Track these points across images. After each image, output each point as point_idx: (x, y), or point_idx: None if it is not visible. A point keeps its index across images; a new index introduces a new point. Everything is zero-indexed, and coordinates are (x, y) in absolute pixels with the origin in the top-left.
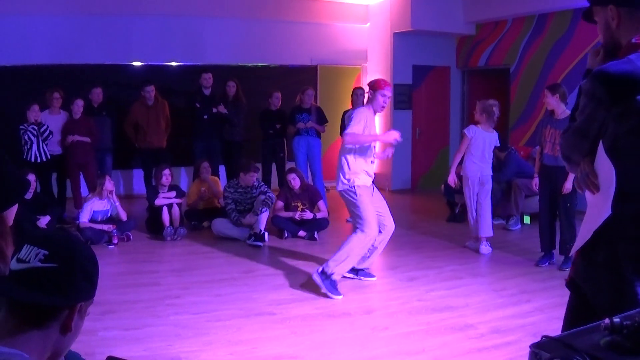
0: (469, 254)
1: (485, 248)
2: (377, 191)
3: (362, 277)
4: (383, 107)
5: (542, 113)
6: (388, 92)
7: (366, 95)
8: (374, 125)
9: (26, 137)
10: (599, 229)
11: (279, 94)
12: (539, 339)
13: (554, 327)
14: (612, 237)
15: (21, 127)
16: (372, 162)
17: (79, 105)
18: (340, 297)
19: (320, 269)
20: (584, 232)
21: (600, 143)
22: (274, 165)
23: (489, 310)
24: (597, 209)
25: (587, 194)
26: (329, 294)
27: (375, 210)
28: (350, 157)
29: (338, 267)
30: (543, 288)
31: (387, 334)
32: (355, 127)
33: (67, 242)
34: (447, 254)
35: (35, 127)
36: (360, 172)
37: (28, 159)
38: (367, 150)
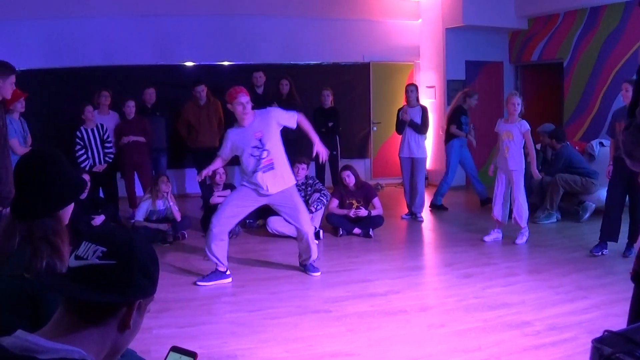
0: (524, 251)
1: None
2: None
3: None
4: (243, 116)
5: (596, 107)
6: (242, 99)
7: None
8: (246, 141)
9: (85, 140)
10: None
11: (329, 92)
12: (595, 335)
13: (611, 324)
14: None
15: (79, 132)
16: (256, 172)
17: (130, 106)
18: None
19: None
20: None
21: None
22: (327, 163)
23: (545, 307)
24: None
25: None
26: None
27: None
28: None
29: None
30: (600, 284)
31: (443, 331)
32: (220, 151)
33: (125, 239)
34: (503, 251)
35: (95, 131)
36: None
37: (85, 165)
38: (245, 163)
